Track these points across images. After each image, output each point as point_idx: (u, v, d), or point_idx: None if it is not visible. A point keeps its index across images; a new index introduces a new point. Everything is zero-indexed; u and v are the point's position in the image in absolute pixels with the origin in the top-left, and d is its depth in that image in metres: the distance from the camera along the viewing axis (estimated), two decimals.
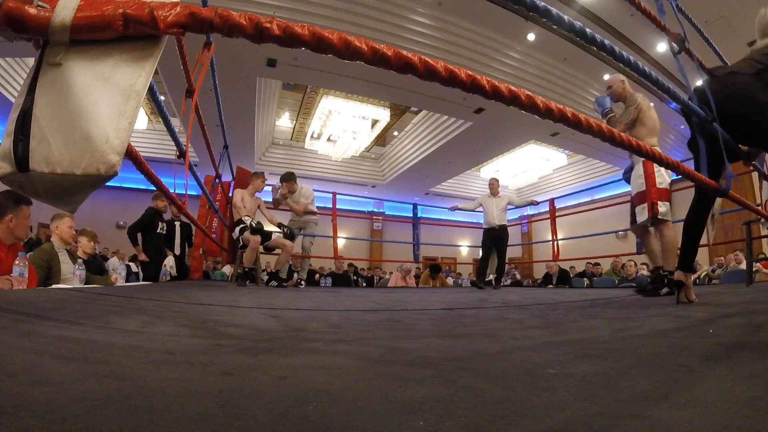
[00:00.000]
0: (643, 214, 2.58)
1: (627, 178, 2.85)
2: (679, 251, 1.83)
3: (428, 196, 13.37)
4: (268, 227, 4.11)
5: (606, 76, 7.65)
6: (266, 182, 4.29)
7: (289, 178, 4.42)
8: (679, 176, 1.47)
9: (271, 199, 4.61)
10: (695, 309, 1.49)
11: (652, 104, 2.70)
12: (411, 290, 4.68)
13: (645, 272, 6.20)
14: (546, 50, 6.90)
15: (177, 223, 4.56)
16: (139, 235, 4.17)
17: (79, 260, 2.72)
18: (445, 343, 0.93)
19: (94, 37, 0.65)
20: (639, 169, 2.62)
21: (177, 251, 4.50)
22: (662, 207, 2.53)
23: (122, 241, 4.40)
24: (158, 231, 4.23)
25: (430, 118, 9.88)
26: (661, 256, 2.63)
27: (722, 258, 6.33)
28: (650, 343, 0.89)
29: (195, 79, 2.11)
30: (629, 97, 2.68)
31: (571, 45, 6.40)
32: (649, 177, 2.55)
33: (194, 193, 6.61)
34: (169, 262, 3.94)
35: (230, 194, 4.52)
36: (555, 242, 6.00)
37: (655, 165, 2.53)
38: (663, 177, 2.58)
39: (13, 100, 4.63)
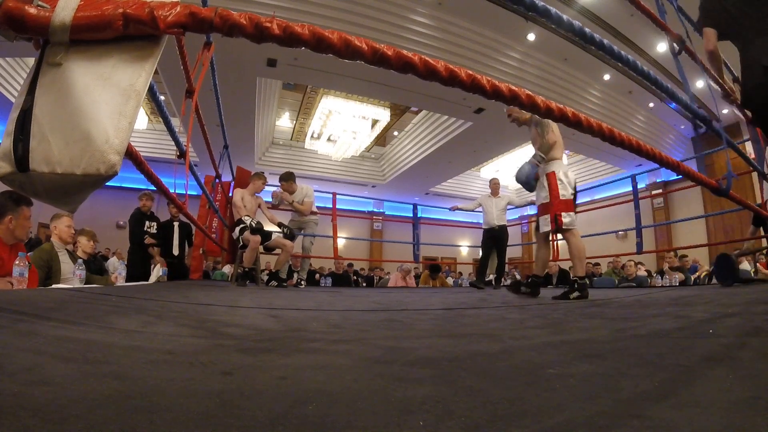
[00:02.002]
0: (546, 225, 2.68)
1: (522, 180, 2.83)
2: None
3: (428, 196, 13.37)
4: (268, 227, 4.11)
5: (606, 76, 7.67)
6: (266, 183, 4.30)
7: (288, 178, 4.41)
8: (680, 176, 1.47)
9: (271, 199, 4.60)
10: (695, 309, 1.49)
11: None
12: (411, 290, 4.67)
13: (643, 272, 6.21)
14: (546, 50, 6.91)
15: (176, 223, 4.55)
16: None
17: (79, 260, 2.72)
18: (445, 343, 0.93)
19: (94, 37, 0.65)
20: (543, 182, 2.72)
21: (176, 251, 4.49)
22: (566, 218, 2.63)
23: (122, 241, 4.41)
24: (145, 230, 4.23)
25: (430, 118, 9.88)
26: (545, 266, 2.80)
27: None
28: (650, 343, 0.89)
29: (195, 79, 2.11)
30: (532, 118, 2.80)
31: (571, 45, 6.40)
32: (553, 190, 2.65)
33: (194, 193, 6.61)
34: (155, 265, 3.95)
35: (230, 194, 4.52)
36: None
37: (558, 178, 2.65)
38: (566, 189, 2.67)
39: (13, 100, 4.62)
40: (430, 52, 6.18)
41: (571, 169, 2.80)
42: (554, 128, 2.72)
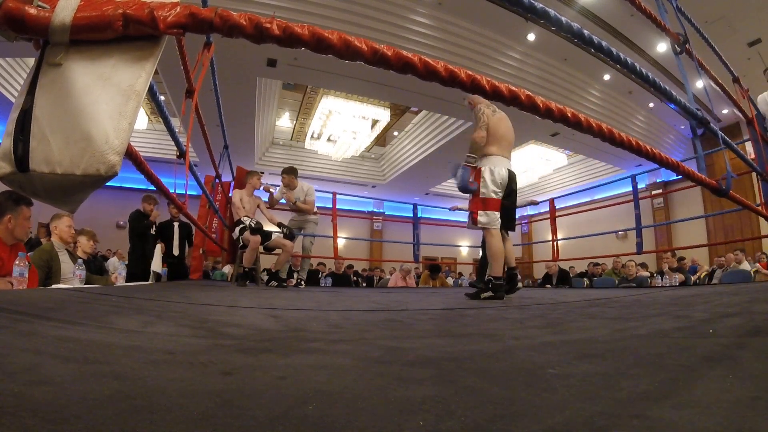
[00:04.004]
0: (469, 220, 2.66)
1: (462, 187, 2.64)
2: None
3: (428, 196, 13.37)
4: (268, 227, 4.11)
5: (606, 77, 7.67)
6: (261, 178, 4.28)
7: (290, 171, 4.39)
8: (680, 176, 1.47)
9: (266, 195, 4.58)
10: (695, 309, 1.49)
11: (496, 111, 2.74)
12: (411, 290, 4.68)
13: (646, 273, 6.21)
14: (546, 50, 6.91)
15: (176, 223, 4.55)
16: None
17: (79, 260, 2.72)
18: (445, 343, 0.93)
19: (94, 37, 0.65)
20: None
21: (176, 251, 4.48)
22: (482, 216, 2.57)
23: (122, 241, 4.39)
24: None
25: (430, 118, 9.88)
26: (513, 259, 2.77)
27: (722, 258, 6.33)
28: (650, 343, 0.89)
29: (195, 79, 2.11)
30: (475, 108, 2.73)
31: (571, 45, 6.41)
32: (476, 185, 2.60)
33: (194, 193, 6.60)
34: (154, 265, 3.92)
35: (230, 194, 4.51)
36: (555, 242, 6.00)
37: (482, 176, 2.57)
38: (487, 187, 2.58)
39: (13, 100, 4.63)
40: (430, 52, 6.19)
41: (503, 168, 2.65)
42: (492, 125, 2.63)
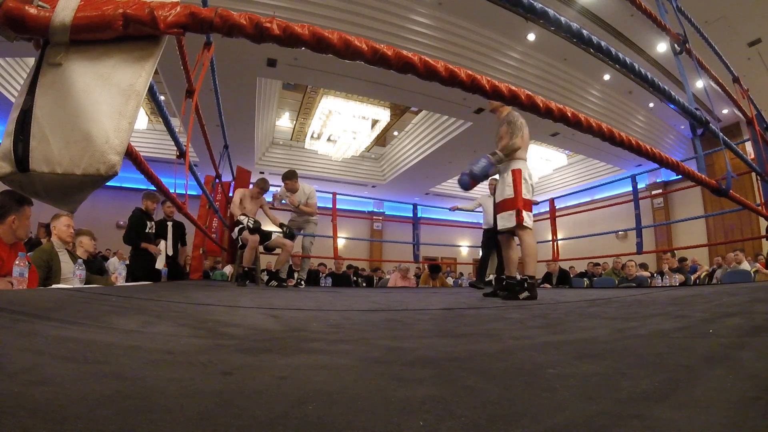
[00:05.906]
0: (510, 220, 2.65)
1: (479, 174, 2.64)
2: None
3: (428, 196, 13.37)
4: (269, 227, 4.11)
5: (606, 76, 7.67)
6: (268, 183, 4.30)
7: (291, 176, 4.40)
8: (680, 176, 1.47)
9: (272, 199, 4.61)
10: (695, 309, 1.49)
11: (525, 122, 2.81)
12: (411, 290, 4.67)
13: (645, 273, 6.21)
14: (546, 50, 6.91)
15: (169, 223, 4.51)
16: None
17: (79, 260, 2.72)
18: (445, 343, 0.93)
19: (94, 37, 0.65)
20: (508, 179, 2.67)
21: (170, 251, 4.45)
22: (527, 216, 2.62)
23: (122, 241, 4.37)
24: (147, 231, 4.19)
25: (430, 118, 9.88)
26: (515, 266, 2.80)
27: (722, 258, 6.33)
28: (650, 343, 0.89)
29: (195, 79, 2.11)
30: (509, 114, 2.77)
31: (571, 45, 6.41)
32: (517, 186, 2.62)
33: (194, 193, 6.61)
34: (159, 263, 3.93)
35: (230, 194, 4.52)
36: (555, 242, 6.00)
37: (523, 177, 2.64)
38: (529, 190, 2.66)
39: (13, 100, 4.62)
40: (430, 52, 6.19)
41: (533, 173, 2.75)
42: (525, 132, 2.71)
